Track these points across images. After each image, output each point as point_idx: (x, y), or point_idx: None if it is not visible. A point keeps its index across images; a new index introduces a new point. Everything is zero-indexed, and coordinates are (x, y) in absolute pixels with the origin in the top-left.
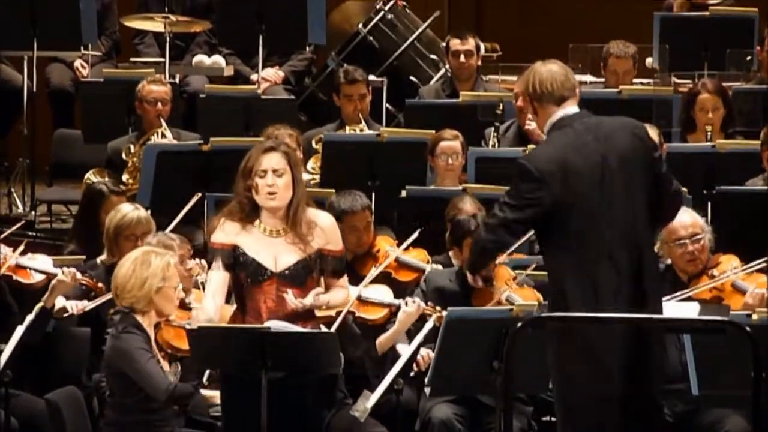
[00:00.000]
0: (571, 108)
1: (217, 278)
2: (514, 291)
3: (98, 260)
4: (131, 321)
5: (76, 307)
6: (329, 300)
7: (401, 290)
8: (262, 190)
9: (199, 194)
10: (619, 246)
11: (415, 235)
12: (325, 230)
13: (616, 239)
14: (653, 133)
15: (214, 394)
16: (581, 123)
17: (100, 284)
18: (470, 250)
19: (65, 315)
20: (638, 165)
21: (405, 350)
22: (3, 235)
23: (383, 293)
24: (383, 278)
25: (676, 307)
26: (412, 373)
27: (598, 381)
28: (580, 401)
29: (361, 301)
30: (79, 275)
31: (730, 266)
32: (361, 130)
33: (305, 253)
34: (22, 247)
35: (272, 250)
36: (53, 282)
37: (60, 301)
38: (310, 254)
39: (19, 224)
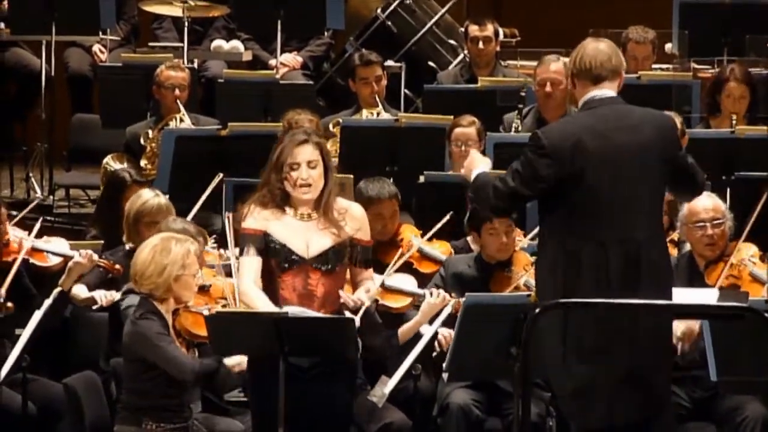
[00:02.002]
0: (606, 91)
1: (251, 263)
2: (532, 276)
3: (127, 247)
4: (149, 307)
5: (105, 298)
6: (373, 294)
7: (422, 282)
8: (296, 182)
9: (221, 174)
10: (615, 235)
11: (445, 219)
12: (357, 218)
13: (614, 228)
14: (677, 121)
15: (239, 361)
16: (609, 108)
17: (117, 266)
18: (475, 195)
19: (94, 307)
20: (657, 160)
21: (426, 333)
22: (18, 217)
23: (408, 282)
24: (405, 268)
25: (694, 294)
26: (434, 354)
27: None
28: (577, 386)
29: (385, 288)
30: (95, 257)
31: (747, 254)
32: (378, 114)
33: (338, 239)
34: (36, 230)
35: (304, 235)
36: (70, 264)
37: (82, 291)
38: (343, 240)
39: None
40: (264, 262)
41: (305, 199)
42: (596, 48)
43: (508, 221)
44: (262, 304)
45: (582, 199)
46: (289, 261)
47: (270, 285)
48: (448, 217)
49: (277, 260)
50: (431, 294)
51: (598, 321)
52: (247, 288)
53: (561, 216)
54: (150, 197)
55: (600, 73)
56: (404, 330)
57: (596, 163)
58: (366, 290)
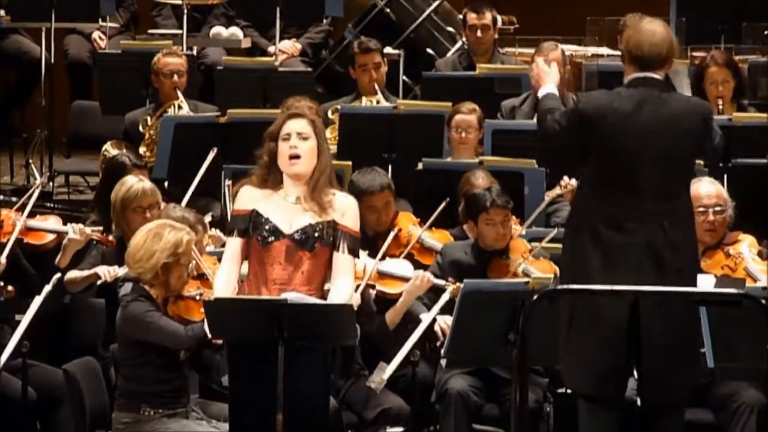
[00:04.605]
0: (650, 73)
1: (233, 245)
2: (530, 263)
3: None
4: (140, 291)
5: (108, 273)
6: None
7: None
8: (285, 153)
9: (215, 149)
10: (635, 211)
11: (442, 206)
12: (343, 205)
13: (638, 203)
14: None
15: None
16: (648, 89)
17: (110, 237)
18: (539, 121)
19: (98, 282)
20: (686, 143)
21: (425, 319)
22: (18, 204)
23: (403, 267)
24: (406, 259)
25: None
26: (438, 343)
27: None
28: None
29: (381, 274)
30: (88, 230)
31: (747, 247)
32: (377, 102)
33: (319, 218)
34: (28, 209)
35: (289, 215)
36: (65, 242)
37: (79, 273)
38: (324, 220)
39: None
40: (249, 239)
41: (293, 171)
42: (652, 34)
43: (505, 211)
44: (218, 289)
45: (602, 177)
46: (271, 234)
47: (254, 262)
48: (444, 204)
49: (259, 234)
50: (415, 276)
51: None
52: (218, 275)
53: (584, 196)
54: (134, 183)
55: (648, 62)
56: (391, 314)
57: (619, 140)
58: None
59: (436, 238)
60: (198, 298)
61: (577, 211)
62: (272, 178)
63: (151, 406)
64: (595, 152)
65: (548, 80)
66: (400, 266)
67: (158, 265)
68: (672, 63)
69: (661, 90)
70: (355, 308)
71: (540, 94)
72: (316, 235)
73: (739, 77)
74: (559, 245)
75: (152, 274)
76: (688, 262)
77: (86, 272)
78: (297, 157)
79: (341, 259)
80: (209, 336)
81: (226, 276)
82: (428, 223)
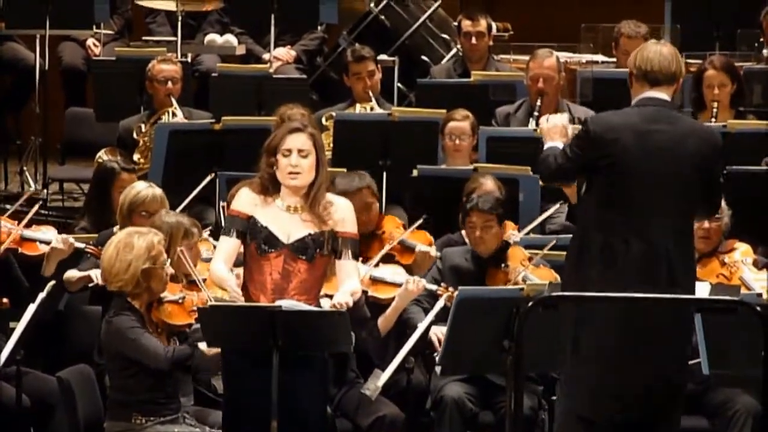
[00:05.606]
0: (660, 94)
1: (228, 244)
2: (531, 271)
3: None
4: (123, 304)
5: (99, 277)
6: (359, 289)
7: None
8: (285, 169)
9: (213, 174)
10: (638, 233)
11: (420, 221)
12: (341, 211)
13: (638, 225)
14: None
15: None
16: (658, 110)
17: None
18: (537, 164)
19: (90, 285)
20: (693, 169)
21: (419, 326)
22: (11, 211)
23: (396, 273)
24: (387, 260)
25: None
26: (434, 354)
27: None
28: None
29: (373, 280)
30: (71, 240)
31: (743, 256)
32: (372, 109)
33: (318, 229)
34: (26, 220)
35: (287, 225)
36: (47, 250)
37: (75, 273)
38: (323, 231)
39: (23, 199)
40: (246, 245)
41: (292, 185)
42: (659, 52)
43: (486, 217)
44: (229, 285)
45: (611, 193)
46: (269, 245)
47: (250, 269)
48: (421, 220)
49: (257, 243)
50: (408, 281)
51: (607, 316)
52: (215, 267)
53: (590, 207)
54: (144, 188)
55: (657, 77)
56: (382, 320)
57: (630, 159)
58: (351, 292)
59: (414, 238)
60: (181, 301)
61: (582, 225)
62: (270, 186)
63: (142, 414)
64: (605, 171)
65: (557, 138)
66: (393, 272)
67: (137, 273)
68: (679, 85)
69: (669, 110)
70: (356, 301)
71: (545, 146)
72: (316, 245)
73: (738, 83)
74: (557, 253)
75: (133, 284)
76: (686, 282)
77: (81, 273)
78: (297, 173)
79: (346, 264)
80: (189, 362)
81: (225, 270)
82: (409, 231)
